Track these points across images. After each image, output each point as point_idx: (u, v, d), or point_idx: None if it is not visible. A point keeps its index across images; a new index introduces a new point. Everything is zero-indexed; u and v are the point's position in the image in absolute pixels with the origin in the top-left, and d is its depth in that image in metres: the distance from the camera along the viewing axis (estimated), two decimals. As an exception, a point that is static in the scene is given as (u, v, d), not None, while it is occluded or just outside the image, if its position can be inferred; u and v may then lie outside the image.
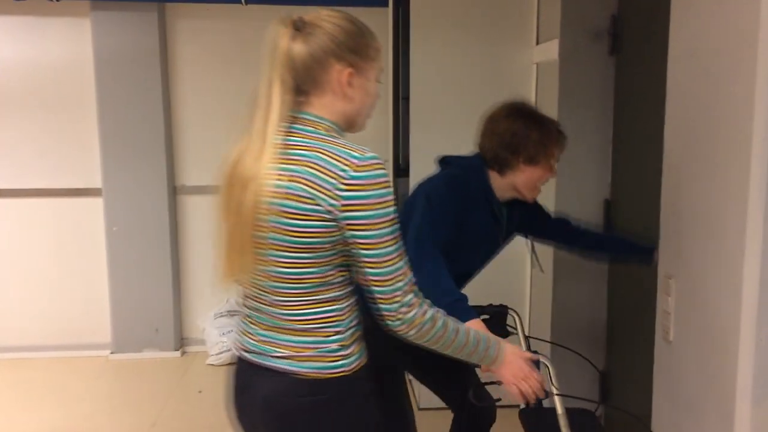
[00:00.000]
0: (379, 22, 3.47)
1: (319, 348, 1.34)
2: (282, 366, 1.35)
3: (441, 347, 1.37)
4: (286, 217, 1.27)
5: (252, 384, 1.41)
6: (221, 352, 4.00)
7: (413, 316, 1.30)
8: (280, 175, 1.27)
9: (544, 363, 1.68)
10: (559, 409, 1.66)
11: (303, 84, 1.35)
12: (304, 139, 1.31)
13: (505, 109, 1.97)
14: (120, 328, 4.14)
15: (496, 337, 1.50)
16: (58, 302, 4.19)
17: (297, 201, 1.27)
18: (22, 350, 4.15)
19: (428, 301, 1.35)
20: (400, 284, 1.29)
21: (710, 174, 1.56)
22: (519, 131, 1.90)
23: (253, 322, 1.42)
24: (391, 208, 1.29)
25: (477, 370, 1.72)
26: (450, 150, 2.13)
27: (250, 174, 1.30)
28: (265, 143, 1.29)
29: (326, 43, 1.32)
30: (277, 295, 1.35)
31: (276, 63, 1.34)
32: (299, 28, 1.34)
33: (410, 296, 1.30)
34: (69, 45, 3.98)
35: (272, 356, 1.37)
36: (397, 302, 1.29)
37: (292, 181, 1.27)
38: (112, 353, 4.16)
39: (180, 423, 3.34)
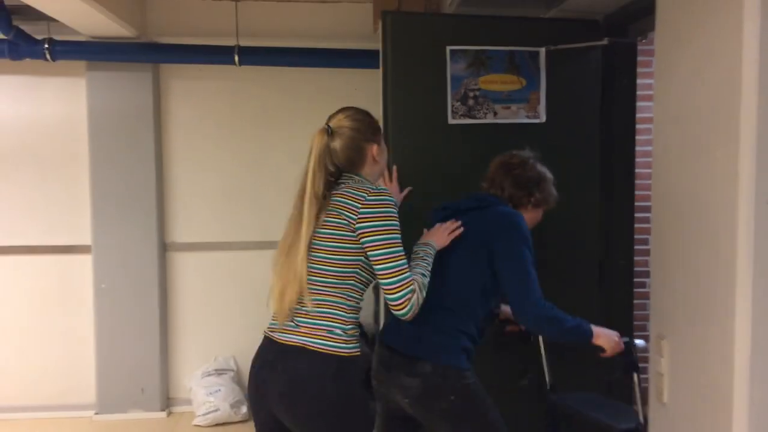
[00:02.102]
0: (373, 83, 3.56)
1: (328, 330, 1.87)
2: (300, 341, 1.87)
3: None
4: (328, 228, 1.87)
5: (273, 359, 1.91)
6: (208, 413, 3.92)
7: (414, 302, 1.84)
8: (327, 215, 1.88)
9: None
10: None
11: (345, 166, 1.95)
12: (343, 188, 1.91)
13: (519, 155, 2.30)
14: (105, 387, 4.06)
15: None
16: (42, 361, 4.11)
17: (334, 217, 1.86)
18: (4, 411, 4.06)
19: (415, 287, 1.85)
20: (400, 277, 1.82)
21: (698, 236, 1.59)
22: (535, 177, 2.23)
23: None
24: (394, 221, 1.85)
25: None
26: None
27: (294, 240, 1.89)
28: (302, 221, 1.87)
29: (355, 136, 1.95)
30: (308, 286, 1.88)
31: (320, 157, 1.91)
32: (331, 132, 1.94)
33: (411, 287, 1.83)
34: (64, 104, 4.03)
35: (293, 333, 1.89)
36: (400, 291, 1.82)
37: (334, 209, 1.87)
38: (96, 414, 4.06)
39: (165, 487, 3.25)
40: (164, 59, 3.99)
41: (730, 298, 1.45)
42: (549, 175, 2.27)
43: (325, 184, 1.90)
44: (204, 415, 3.92)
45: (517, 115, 2.89)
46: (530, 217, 2.23)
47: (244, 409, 4.01)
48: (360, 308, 1.96)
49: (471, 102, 2.87)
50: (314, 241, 1.87)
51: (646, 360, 2.10)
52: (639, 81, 3.03)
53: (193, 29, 4.02)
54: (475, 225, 2.15)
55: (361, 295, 1.95)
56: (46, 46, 3.71)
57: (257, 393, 1.94)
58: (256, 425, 2.00)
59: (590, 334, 2.09)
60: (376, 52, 3.08)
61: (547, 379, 2.61)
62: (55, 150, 4.06)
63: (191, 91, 4.12)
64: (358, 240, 1.84)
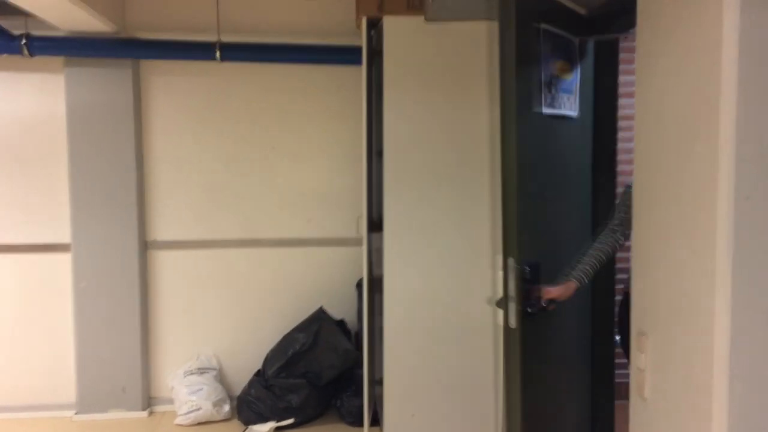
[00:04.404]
0: (354, 80, 3.54)
1: None
2: None
3: None
4: None
5: None
6: (190, 412, 3.89)
7: None
8: None
9: None
10: None
11: None
12: None
13: None
14: (85, 387, 4.02)
15: None
16: (21, 361, 4.06)
17: None
18: (-18, 412, 4.00)
19: None
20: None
21: (679, 232, 1.59)
22: None
23: None
24: None
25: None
26: (423, 204, 2.16)
27: None
28: None
29: None
30: None
31: None
32: None
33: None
34: (42, 100, 3.97)
35: None
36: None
37: None
38: (76, 414, 4.02)
39: (146, 487, 3.22)
40: (144, 55, 3.94)
41: (709, 294, 1.45)
42: None
43: None
44: (186, 414, 3.89)
45: (499, 112, 2.89)
46: None
47: (227, 407, 3.98)
48: None
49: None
50: None
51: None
52: (621, 78, 3.03)
53: (174, 25, 3.99)
54: None
55: None
56: (24, 41, 3.66)
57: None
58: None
59: None
60: (358, 48, 3.06)
61: None
62: (33, 147, 4.00)
63: (172, 88, 4.08)
64: None
